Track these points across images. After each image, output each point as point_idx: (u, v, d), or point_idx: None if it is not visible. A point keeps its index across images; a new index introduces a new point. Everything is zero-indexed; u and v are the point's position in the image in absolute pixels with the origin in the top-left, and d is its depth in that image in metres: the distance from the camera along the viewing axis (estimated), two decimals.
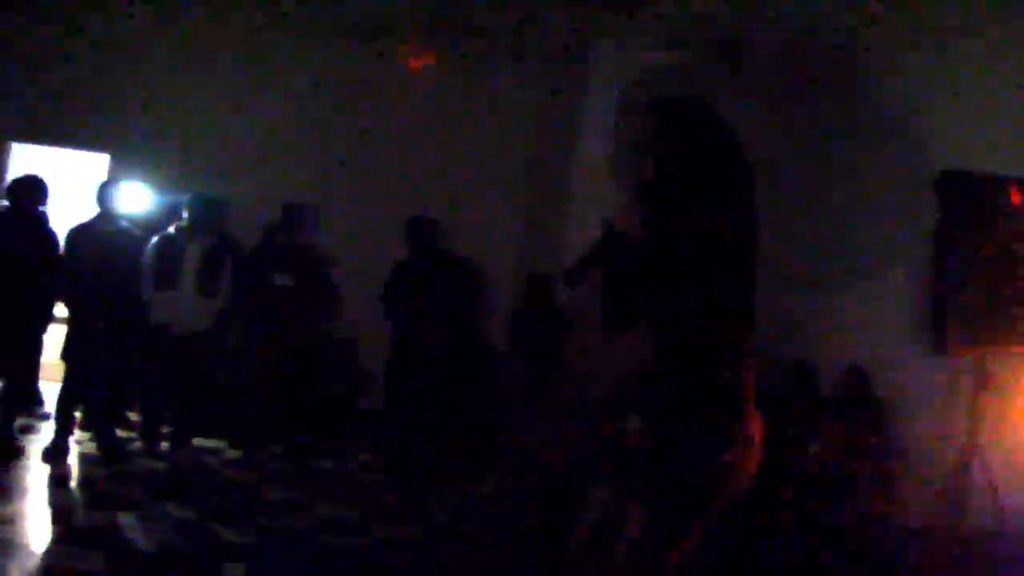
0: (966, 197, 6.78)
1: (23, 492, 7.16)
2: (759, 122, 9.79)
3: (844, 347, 9.03)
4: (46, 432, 8.61)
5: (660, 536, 3.25)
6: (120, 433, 8.74)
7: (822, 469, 8.44)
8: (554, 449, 7.98)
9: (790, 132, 9.98)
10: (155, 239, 8.42)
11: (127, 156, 10.57)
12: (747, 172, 3.40)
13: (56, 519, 6.56)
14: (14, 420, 8.28)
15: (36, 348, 8.52)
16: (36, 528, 6.40)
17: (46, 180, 8.25)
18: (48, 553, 5.83)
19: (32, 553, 5.81)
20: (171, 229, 8.55)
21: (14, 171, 10.60)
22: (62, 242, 8.13)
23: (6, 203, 8.17)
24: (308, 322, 9.15)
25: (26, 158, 10.95)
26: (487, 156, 11.09)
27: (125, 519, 4.18)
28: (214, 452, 9.06)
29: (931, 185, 7.01)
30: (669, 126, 3.42)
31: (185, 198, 8.81)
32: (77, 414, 8.48)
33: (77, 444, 8.43)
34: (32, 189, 8.06)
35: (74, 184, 11.07)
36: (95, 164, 11.19)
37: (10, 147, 11.00)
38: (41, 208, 8.18)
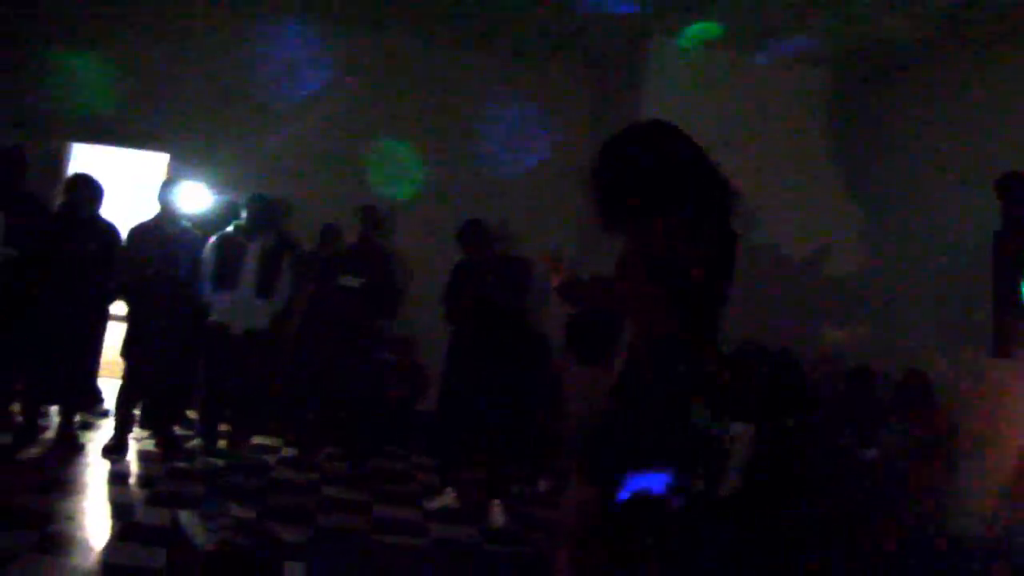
0: None
1: (83, 488, 7.21)
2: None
3: (904, 351, 8.94)
4: (105, 429, 8.67)
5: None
6: (178, 431, 8.77)
7: (882, 474, 8.36)
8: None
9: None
10: (214, 238, 8.46)
11: (186, 156, 10.61)
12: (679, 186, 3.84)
13: (116, 515, 6.63)
14: (74, 417, 8.34)
15: (96, 346, 8.58)
16: (96, 524, 6.44)
17: (100, 179, 8.32)
18: (108, 549, 5.88)
19: (93, 549, 5.85)
20: (230, 228, 8.58)
21: (73, 171, 10.74)
22: (122, 240, 8.19)
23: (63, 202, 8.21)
24: (372, 323, 9.16)
25: (86, 159, 11.04)
26: (545, 163, 11.06)
27: (185, 516, 4.16)
28: (272, 451, 9.07)
29: (993, 186, 6.92)
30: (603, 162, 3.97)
31: (244, 198, 8.86)
32: (136, 411, 8.50)
33: (136, 441, 8.47)
34: (88, 188, 8.12)
35: (133, 184, 11.14)
36: (154, 164, 11.27)
37: (70, 148, 11.08)
38: (97, 207, 8.24)
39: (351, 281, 8.93)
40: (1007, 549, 6.58)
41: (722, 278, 3.90)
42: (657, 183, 3.85)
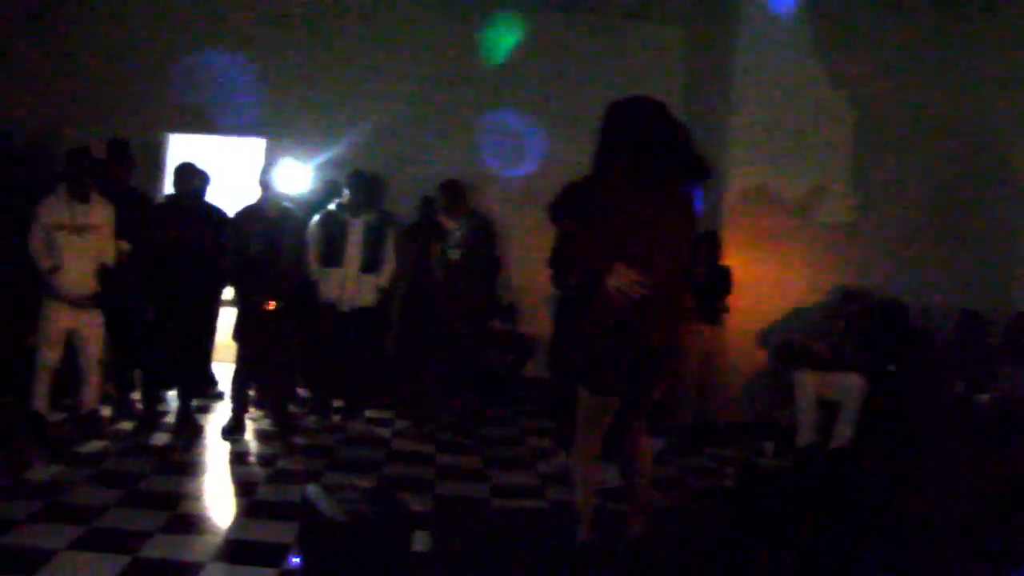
0: None
1: (206, 469, 7.38)
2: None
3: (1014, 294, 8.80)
4: (222, 411, 8.84)
5: None
6: (292, 409, 8.91)
7: (994, 418, 8.24)
8: None
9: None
10: (317, 217, 8.56)
11: (283, 140, 10.74)
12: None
13: (240, 493, 6.77)
14: (192, 402, 8.52)
15: (210, 331, 8.75)
16: (222, 503, 6.59)
17: (205, 167, 8.50)
18: (235, 526, 6.01)
19: (221, 527, 5.99)
20: (332, 207, 8.67)
21: (172, 161, 10.93)
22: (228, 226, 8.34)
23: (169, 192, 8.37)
24: (479, 294, 9.22)
25: (183, 148, 11.22)
26: None
27: (314, 490, 4.24)
28: (385, 423, 9.19)
29: None
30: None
31: (343, 176, 8.95)
32: (251, 392, 8.65)
33: (252, 421, 8.62)
34: (195, 175, 8.27)
35: (232, 171, 11.28)
36: (252, 150, 11.43)
37: (168, 138, 11.27)
38: (203, 194, 8.40)
39: (454, 253, 8.99)
40: None
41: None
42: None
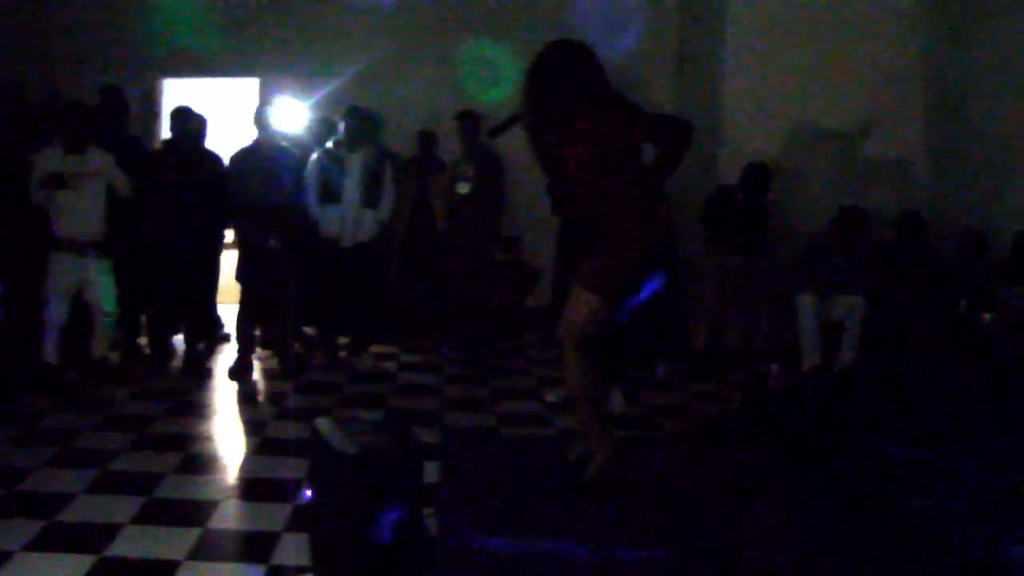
0: None
1: (216, 410, 7.45)
2: None
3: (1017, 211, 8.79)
4: (229, 353, 8.88)
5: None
6: (298, 347, 8.96)
7: (997, 336, 8.28)
8: None
9: None
10: (315, 155, 8.55)
11: (277, 79, 10.71)
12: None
13: (250, 432, 6.84)
14: (199, 344, 8.58)
15: (213, 273, 8.78)
16: (233, 442, 6.67)
17: (201, 111, 8.48)
18: (247, 464, 6.10)
19: (232, 466, 6.06)
20: (329, 144, 8.66)
21: (167, 106, 10.90)
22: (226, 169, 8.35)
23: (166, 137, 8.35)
24: (487, 227, 9.25)
25: (178, 92, 11.20)
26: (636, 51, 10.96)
27: (324, 423, 4.29)
28: (391, 357, 9.25)
29: None
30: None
31: (339, 112, 8.94)
32: (256, 332, 8.70)
33: (258, 361, 8.67)
34: (192, 120, 8.26)
35: (226, 112, 11.27)
36: (246, 90, 11.41)
37: (162, 83, 11.24)
38: (203, 138, 8.39)
39: (463, 187, 8.98)
40: None
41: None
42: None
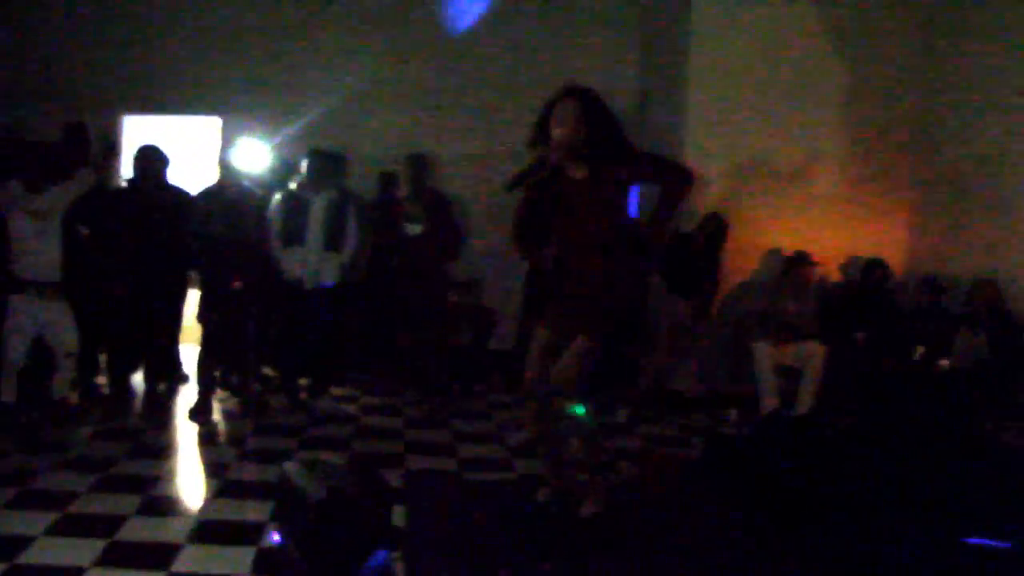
0: None
1: (176, 451, 7.40)
2: None
3: (974, 261, 8.92)
4: (189, 394, 8.83)
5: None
6: (258, 389, 8.91)
7: (953, 381, 8.38)
8: None
9: None
10: (278, 196, 8.54)
11: (237, 119, 10.71)
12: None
13: (211, 474, 6.80)
14: (158, 385, 8.52)
15: (176, 314, 8.73)
16: (194, 484, 6.62)
17: (164, 149, 8.42)
18: (208, 507, 6.05)
19: (195, 508, 6.02)
20: (293, 185, 8.67)
21: (127, 144, 10.89)
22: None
23: (131, 176, 8.30)
24: (439, 268, 9.26)
25: (138, 129, 11.20)
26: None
27: (292, 467, 4.29)
28: (351, 400, 9.24)
29: None
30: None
31: (301, 154, 8.95)
32: (216, 374, 8.65)
33: (219, 402, 8.63)
34: (156, 157, 8.23)
35: (187, 150, 11.25)
36: (206, 130, 11.41)
37: (123, 120, 11.22)
38: (164, 176, 8.36)
39: (412, 229, 9.01)
40: None
41: None
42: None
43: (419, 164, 9.21)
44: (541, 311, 5.75)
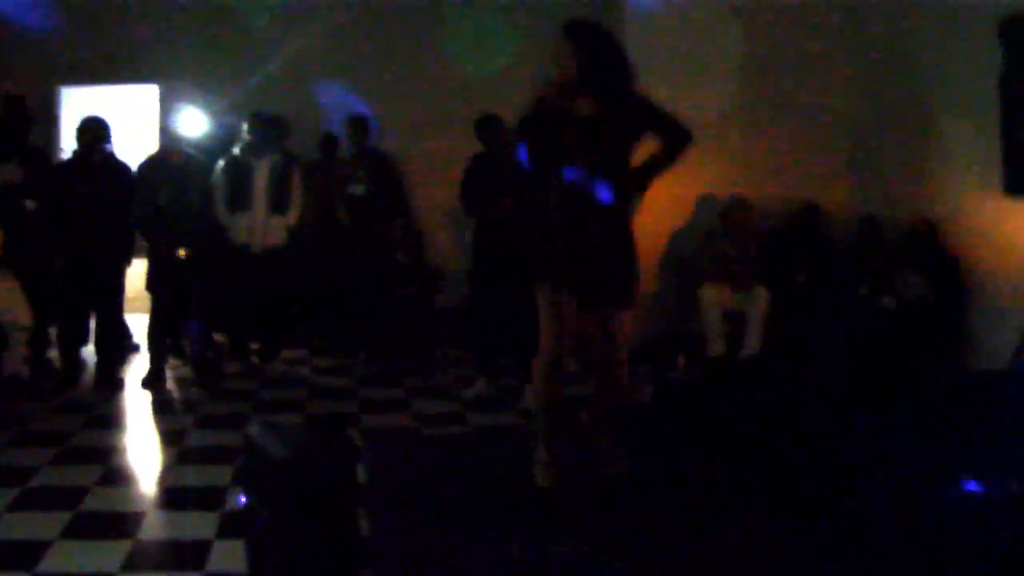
0: None
1: (132, 421, 7.44)
2: None
3: (913, 198, 9.05)
4: (140, 363, 8.85)
5: None
6: (210, 355, 8.93)
7: (896, 321, 8.53)
8: None
9: None
10: (222, 162, 8.55)
11: (175, 85, 10.64)
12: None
13: (169, 442, 6.84)
14: (109, 355, 8.51)
15: (121, 285, 8.70)
16: (153, 453, 6.66)
17: (106, 119, 8.37)
18: (169, 474, 6.11)
19: (156, 476, 6.07)
20: (236, 151, 8.67)
21: (65, 115, 10.81)
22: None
23: (74, 147, 8.25)
24: (383, 228, 9.32)
25: (75, 99, 11.12)
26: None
27: (256, 428, 4.34)
28: (303, 362, 9.30)
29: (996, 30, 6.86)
30: None
31: (243, 119, 8.94)
32: (167, 341, 8.66)
33: (171, 370, 8.63)
34: (97, 129, 8.17)
35: (127, 120, 11.18)
36: (144, 98, 11.34)
37: (60, 91, 11.13)
38: (107, 147, 8.31)
39: (356, 189, 9.06)
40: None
41: None
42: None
43: (361, 125, 9.26)
44: (540, 271, 5.27)
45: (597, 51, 5.11)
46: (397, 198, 9.50)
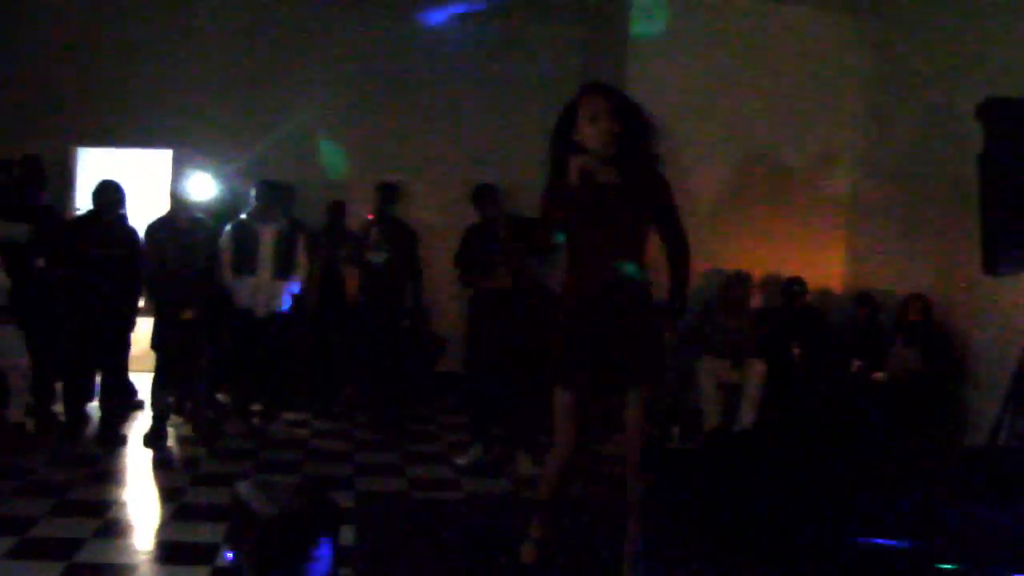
0: (1012, 122, 6.80)
1: (132, 476, 7.55)
2: None
3: (907, 276, 9.19)
4: (143, 420, 9.00)
5: None
6: (211, 415, 9.06)
7: (889, 394, 8.63)
8: None
9: None
10: (229, 227, 8.77)
11: (188, 151, 10.84)
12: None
13: (167, 498, 6.96)
14: (113, 412, 8.64)
15: (127, 343, 8.87)
16: (150, 508, 6.78)
17: (122, 183, 8.59)
18: (165, 529, 6.22)
19: (150, 530, 6.19)
20: (243, 216, 8.88)
21: (80, 175, 11.05)
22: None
23: (89, 207, 8.46)
24: (401, 297, 9.64)
25: (91, 161, 11.36)
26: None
27: (244, 487, 4.48)
28: (303, 424, 9.44)
29: (975, 111, 7.00)
30: None
31: (251, 185, 9.17)
32: (170, 399, 8.81)
33: (173, 428, 8.77)
34: (113, 192, 8.39)
35: (139, 182, 11.39)
36: (157, 161, 11.56)
37: (76, 152, 11.37)
38: (121, 210, 8.53)
39: (377, 256, 9.24)
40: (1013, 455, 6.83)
41: None
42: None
43: (387, 193, 9.46)
44: (557, 374, 4.93)
45: (633, 110, 4.84)
46: (415, 266, 9.72)
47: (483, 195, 8.39)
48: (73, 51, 10.99)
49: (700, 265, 9.56)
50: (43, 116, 10.85)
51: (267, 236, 8.73)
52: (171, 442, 8.49)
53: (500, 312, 7.92)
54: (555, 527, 5.27)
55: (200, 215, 8.71)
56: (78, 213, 9.73)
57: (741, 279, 9.36)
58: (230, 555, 4.56)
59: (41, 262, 7.95)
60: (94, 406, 8.82)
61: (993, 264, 6.72)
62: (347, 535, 5.74)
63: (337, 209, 10.22)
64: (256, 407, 9.24)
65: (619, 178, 4.80)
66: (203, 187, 9.27)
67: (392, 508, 6.92)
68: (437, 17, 11.28)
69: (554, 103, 5.16)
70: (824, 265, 10.13)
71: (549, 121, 4.96)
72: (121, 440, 8.36)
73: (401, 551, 5.78)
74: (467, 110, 11.44)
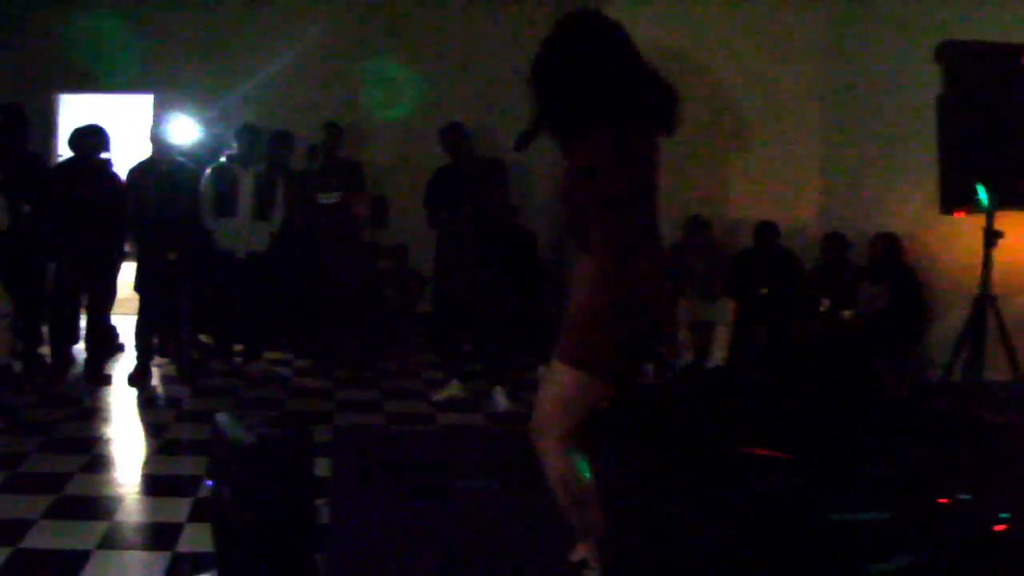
0: (968, 65, 6.94)
1: (118, 414, 7.77)
2: None
3: (873, 216, 9.36)
4: (127, 361, 9.20)
5: None
6: (195, 354, 9.28)
7: (858, 332, 8.83)
8: None
9: None
10: (209, 170, 8.92)
11: (169, 95, 10.94)
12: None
13: (151, 434, 7.17)
14: (98, 352, 8.84)
15: (112, 286, 9.01)
16: (135, 444, 6.99)
17: (105, 127, 8.69)
18: (150, 463, 6.45)
19: (136, 465, 6.41)
20: (223, 159, 9.06)
21: (63, 121, 11.14)
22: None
23: (71, 154, 8.58)
24: (356, 235, 9.78)
25: (73, 107, 11.46)
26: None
27: (224, 418, 4.66)
28: (285, 363, 9.67)
29: (934, 54, 7.12)
30: None
31: (232, 129, 9.33)
32: (154, 340, 9.01)
33: (157, 368, 8.98)
34: (95, 137, 8.49)
35: (121, 127, 11.48)
36: (138, 106, 11.65)
37: (59, 98, 11.46)
38: (104, 154, 8.66)
39: (328, 198, 9.37)
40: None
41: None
42: (607, 87, 3.68)
43: (333, 133, 9.58)
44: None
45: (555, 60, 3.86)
46: (374, 207, 9.86)
47: (448, 133, 8.51)
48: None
49: (674, 212, 9.76)
50: (23, 64, 10.90)
51: (247, 179, 8.89)
52: (155, 381, 8.70)
53: (467, 251, 8.09)
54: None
55: (181, 159, 8.86)
56: (60, 159, 9.82)
57: (699, 224, 9.56)
58: (210, 483, 4.74)
59: (26, 208, 8.07)
60: (79, 348, 8.99)
61: (950, 203, 6.91)
62: (325, 467, 6.01)
63: (314, 151, 10.20)
64: (238, 346, 9.44)
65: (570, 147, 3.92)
66: (184, 131, 9.41)
67: (367, 440, 7.14)
68: None
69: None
70: (798, 207, 10.28)
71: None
72: (106, 379, 8.56)
73: (374, 480, 5.99)
74: (443, 53, 11.55)
